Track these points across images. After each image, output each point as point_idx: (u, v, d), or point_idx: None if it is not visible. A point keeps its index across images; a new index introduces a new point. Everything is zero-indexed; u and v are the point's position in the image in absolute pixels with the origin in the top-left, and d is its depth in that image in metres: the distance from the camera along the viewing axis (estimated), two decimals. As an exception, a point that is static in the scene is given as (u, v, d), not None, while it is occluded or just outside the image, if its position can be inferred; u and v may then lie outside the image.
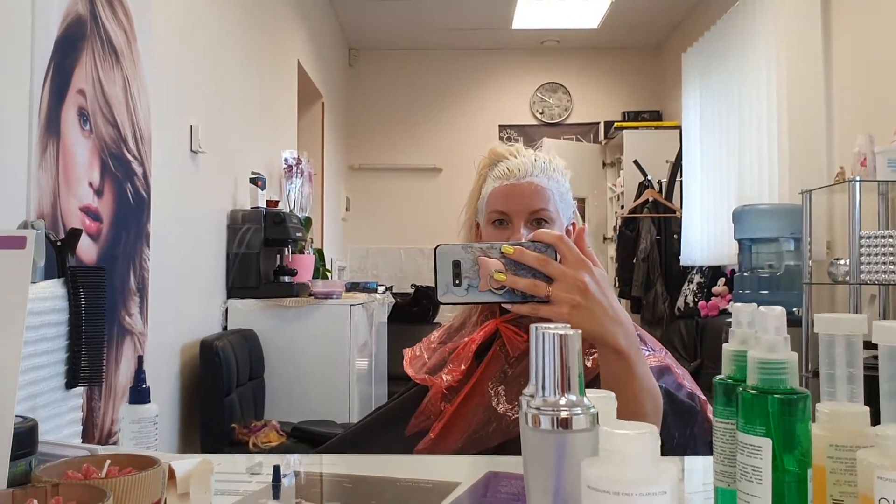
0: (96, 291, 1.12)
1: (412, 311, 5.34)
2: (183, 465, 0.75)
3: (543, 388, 0.59)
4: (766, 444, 0.57)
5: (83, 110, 2.04)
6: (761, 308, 0.60)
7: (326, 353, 3.19)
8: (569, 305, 0.91)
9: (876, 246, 3.02)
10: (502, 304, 0.91)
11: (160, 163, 2.54)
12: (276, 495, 0.85)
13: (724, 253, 4.56)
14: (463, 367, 1.33)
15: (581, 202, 6.68)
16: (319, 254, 4.08)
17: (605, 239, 6.64)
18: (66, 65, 1.95)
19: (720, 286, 4.66)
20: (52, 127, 1.89)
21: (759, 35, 4.27)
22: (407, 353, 1.46)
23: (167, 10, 2.62)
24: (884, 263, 2.98)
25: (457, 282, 0.88)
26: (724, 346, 0.63)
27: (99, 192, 2.17)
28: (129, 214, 2.35)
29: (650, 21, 6.23)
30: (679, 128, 5.77)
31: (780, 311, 0.59)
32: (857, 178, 3.08)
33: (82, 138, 2.05)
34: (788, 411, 0.57)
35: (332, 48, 5.99)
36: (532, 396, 0.59)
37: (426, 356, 1.42)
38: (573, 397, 0.58)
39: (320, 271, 3.99)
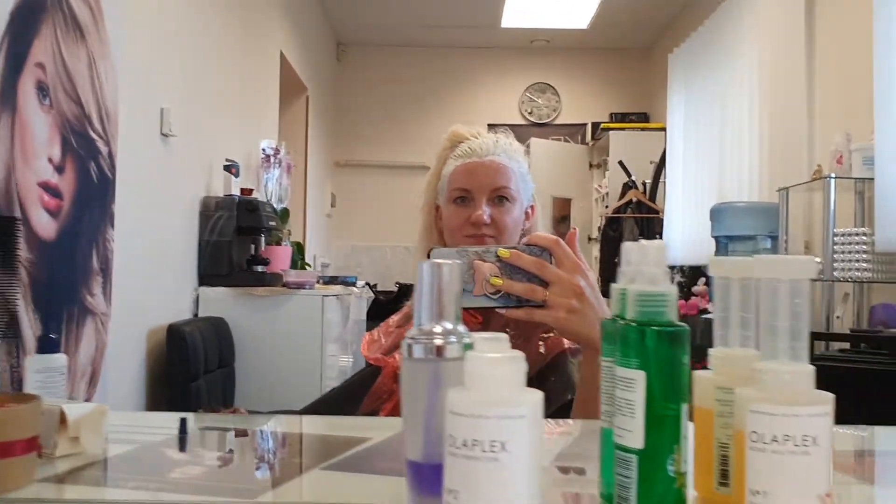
0: (6, 243, 1.09)
1: (395, 309, 5.29)
2: (76, 409, 0.73)
3: (420, 317, 0.57)
4: (640, 377, 0.55)
5: (42, 84, 2.02)
6: (643, 241, 0.58)
7: (298, 344, 3.17)
8: (565, 310, 0.91)
9: (849, 244, 3.02)
10: (496, 308, 0.90)
11: (128, 144, 2.52)
12: (181, 447, 0.83)
13: (703, 252, 4.55)
14: None
15: (567, 203, 6.67)
16: (298, 247, 4.06)
17: (590, 239, 6.63)
18: (24, 35, 1.93)
19: (700, 286, 4.65)
20: (6, 98, 1.87)
21: (743, 37, 4.27)
22: (365, 336, 1.46)
23: (139, -9, 2.61)
24: (857, 261, 2.97)
25: None
26: (612, 285, 0.61)
27: (59, 169, 2.15)
28: (93, 193, 2.33)
29: (640, 22, 6.23)
30: (664, 129, 5.77)
31: (660, 243, 0.58)
32: (832, 176, 3.08)
33: (41, 112, 2.03)
34: (664, 344, 0.55)
35: (318, 42, 5.97)
36: None
37: (383, 339, 1.41)
38: (448, 325, 0.57)
39: (298, 264, 3.97)
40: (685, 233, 4.94)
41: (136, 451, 0.77)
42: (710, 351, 0.65)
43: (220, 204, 3.20)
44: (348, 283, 3.99)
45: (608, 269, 5.78)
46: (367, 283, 4.97)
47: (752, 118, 4.07)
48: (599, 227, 6.20)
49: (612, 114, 6.57)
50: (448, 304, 0.57)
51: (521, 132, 6.90)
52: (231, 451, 0.83)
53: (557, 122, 6.99)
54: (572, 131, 6.97)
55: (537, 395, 0.52)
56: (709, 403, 0.62)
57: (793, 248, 3.45)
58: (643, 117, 6.51)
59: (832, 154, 3.20)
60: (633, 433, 0.55)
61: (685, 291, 4.94)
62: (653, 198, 5.70)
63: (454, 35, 6.59)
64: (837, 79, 3.62)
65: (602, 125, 6.36)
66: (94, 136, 2.33)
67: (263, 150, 3.74)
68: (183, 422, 0.84)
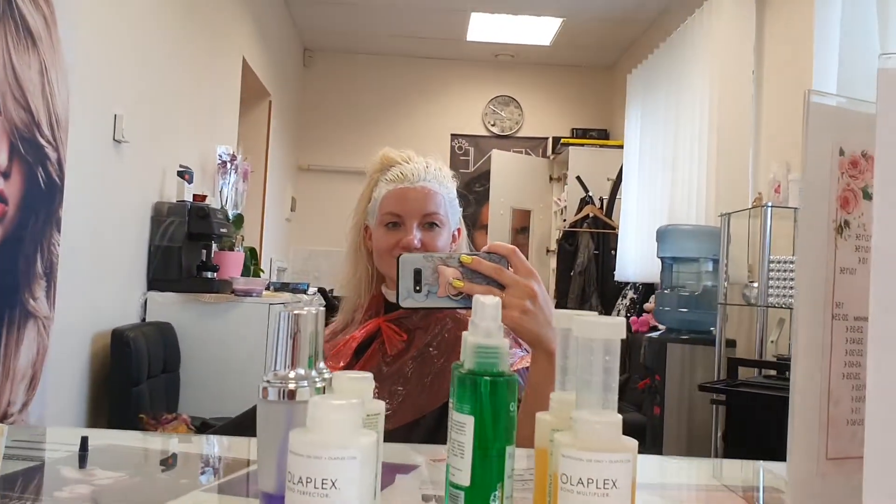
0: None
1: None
2: (-27, 429, 0.78)
3: (276, 362, 0.63)
4: (470, 421, 0.62)
5: (-12, 92, 2.05)
6: (480, 298, 0.65)
7: (243, 351, 3.20)
8: (519, 310, 0.98)
9: (784, 270, 3.13)
10: (457, 309, 0.99)
11: (78, 150, 2.55)
12: (81, 464, 0.88)
13: (656, 270, 4.66)
14: (342, 363, 1.37)
15: (527, 214, 6.77)
16: (251, 252, 4.09)
17: (547, 251, 6.73)
18: (-30, 45, 1.96)
19: (651, 303, 4.77)
20: (-50, 106, 1.89)
21: (696, 63, 4.39)
22: None
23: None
24: (791, 288, 3.08)
25: (417, 288, 0.95)
26: (464, 333, 0.68)
27: (5, 174, 2.17)
28: (39, 198, 2.35)
29: (602, 41, 6.35)
30: (622, 146, 5.88)
31: (496, 300, 0.64)
32: (769, 204, 3.19)
33: (-14, 120, 2.05)
34: (494, 392, 0.62)
35: (284, 47, 6.01)
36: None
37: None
38: (301, 371, 0.63)
39: (251, 270, 4.00)
40: (638, 250, 5.05)
41: (30, 469, 0.81)
42: (551, 395, 0.72)
43: (172, 210, 3.23)
44: (299, 290, 4.03)
45: (563, 282, 5.88)
46: (323, 289, 5.00)
47: (701, 142, 4.18)
48: (557, 240, 6.30)
49: (573, 129, 6.69)
50: (303, 351, 0.63)
51: (484, 143, 7.00)
52: (125, 470, 0.88)
53: (520, 134, 7.08)
54: (534, 144, 7.07)
55: (370, 438, 0.58)
56: (545, 444, 0.69)
57: (734, 272, 3.56)
58: (603, 134, 6.63)
59: (770, 183, 3.32)
60: (462, 472, 0.62)
61: (637, 308, 5.06)
62: (609, 214, 5.81)
63: (421, 46, 6.66)
64: (781, 109, 3.74)
65: (563, 140, 6.47)
66: (42, 142, 2.36)
67: (220, 156, 3.77)
68: (84, 440, 0.89)
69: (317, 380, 0.63)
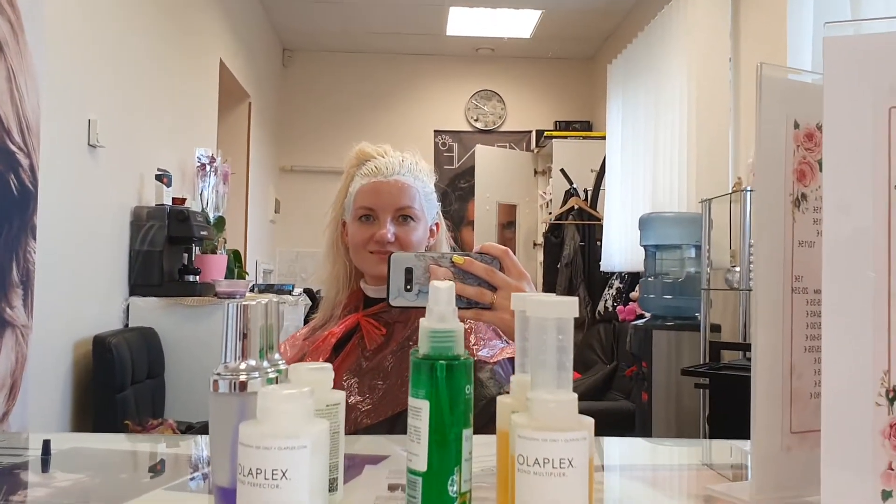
0: None
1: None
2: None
3: (226, 354, 0.62)
4: (425, 406, 0.61)
5: (-45, 100, 2.03)
6: (434, 283, 0.64)
7: (229, 352, 3.17)
8: (510, 312, 0.97)
9: (765, 253, 3.13)
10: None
11: (51, 156, 2.53)
12: (44, 468, 0.87)
13: (639, 259, 4.67)
14: (321, 359, 1.36)
15: (513, 209, 6.77)
16: (235, 255, 4.07)
17: (534, 245, 6.73)
18: (-66, 53, 1.94)
19: (636, 292, 4.77)
20: (-84, 115, 1.87)
21: (674, 50, 4.39)
22: None
23: (63, 4, 2.61)
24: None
25: (408, 287, 0.95)
26: (421, 320, 0.67)
27: (-24, 183, 2.15)
28: (12, 206, 2.33)
29: (582, 33, 6.35)
30: (605, 138, 5.88)
31: (450, 285, 0.64)
32: (749, 189, 3.19)
33: (-46, 128, 2.03)
34: (450, 375, 0.61)
35: (263, 48, 5.98)
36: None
37: (290, 352, 1.45)
38: (253, 362, 0.62)
39: (235, 272, 3.98)
40: (623, 240, 5.05)
41: (-9, 474, 0.80)
42: (512, 378, 0.71)
43: (152, 214, 3.20)
44: (284, 290, 4.02)
45: (551, 274, 5.88)
46: (310, 290, 4.99)
47: (681, 129, 4.19)
48: (544, 233, 6.30)
49: (556, 122, 6.68)
50: (253, 343, 0.62)
51: (468, 139, 6.99)
52: (88, 472, 0.87)
53: (503, 129, 7.08)
54: (518, 138, 7.07)
55: (322, 426, 0.57)
56: (506, 426, 0.68)
57: (716, 257, 3.57)
58: (586, 126, 6.63)
59: (750, 167, 3.32)
60: (418, 457, 0.61)
61: (624, 297, 5.07)
62: (594, 205, 5.82)
63: (400, 42, 6.65)
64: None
65: (546, 133, 6.47)
66: (13, 148, 2.34)
67: (199, 158, 3.75)
68: (46, 443, 0.88)
69: (269, 370, 0.62)
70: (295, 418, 0.56)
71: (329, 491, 0.63)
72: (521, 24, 6.09)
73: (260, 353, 0.63)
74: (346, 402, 1.28)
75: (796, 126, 0.75)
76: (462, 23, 6.09)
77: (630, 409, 3.73)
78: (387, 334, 1.36)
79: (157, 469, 0.88)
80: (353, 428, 1.27)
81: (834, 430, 0.63)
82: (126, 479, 0.84)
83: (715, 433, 2.64)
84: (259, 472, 0.55)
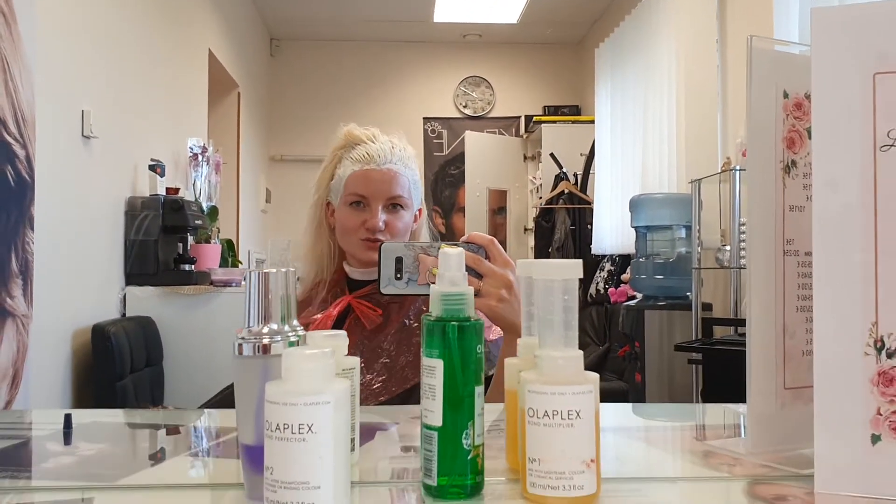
0: None
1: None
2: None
3: (249, 319, 0.65)
4: (439, 365, 0.64)
5: (-49, 91, 2.04)
6: (445, 249, 0.67)
7: (226, 341, 3.16)
8: (496, 298, 1.01)
9: (755, 231, 3.18)
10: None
11: (47, 147, 2.54)
12: (66, 441, 0.90)
13: (630, 241, 4.71)
14: None
15: (503, 194, 6.80)
16: (228, 244, 4.09)
17: (525, 230, 6.77)
18: (-70, 45, 1.95)
19: (628, 273, 4.82)
20: (-86, 106, 1.88)
21: (661, 32, 4.42)
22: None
23: (54, -6, 2.62)
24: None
25: (398, 276, 0.98)
26: (432, 286, 0.70)
27: (-26, 174, 2.17)
28: (10, 197, 2.34)
29: (570, 17, 6.37)
30: (594, 122, 5.92)
31: (459, 251, 0.67)
32: (737, 168, 3.23)
33: (-49, 119, 2.04)
34: (461, 336, 0.65)
35: (250, 38, 5.97)
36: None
37: None
38: (275, 326, 0.65)
39: (229, 261, 4.00)
40: (614, 223, 5.09)
41: (15, 446, 0.83)
42: (519, 341, 0.75)
43: (146, 204, 3.22)
44: (280, 279, 4.03)
45: (541, 259, 5.93)
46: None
47: (670, 111, 4.23)
48: (535, 218, 6.34)
49: (545, 107, 6.71)
50: (274, 308, 0.66)
51: (457, 125, 7.01)
52: (109, 442, 0.91)
53: (492, 115, 7.10)
54: (507, 124, 7.09)
55: (343, 384, 0.60)
56: (514, 385, 0.72)
57: (706, 236, 3.61)
58: (575, 110, 6.66)
59: (738, 147, 3.36)
60: (434, 413, 0.65)
61: (615, 280, 5.12)
62: (584, 189, 5.85)
63: (388, 29, 6.65)
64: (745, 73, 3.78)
65: (535, 118, 6.49)
66: (9, 139, 2.35)
67: (191, 148, 3.76)
68: (68, 417, 0.91)
69: (290, 334, 0.66)
70: (317, 377, 0.59)
71: (348, 450, 0.66)
72: (507, 9, 6.11)
73: (281, 319, 0.66)
74: (364, 382, 1.32)
75: (785, 96, 0.79)
76: (449, 9, 6.10)
77: (624, 389, 3.78)
78: (383, 314, 1.39)
79: (177, 437, 0.91)
80: (364, 405, 1.30)
81: (826, 380, 0.67)
82: (148, 447, 0.87)
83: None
84: (286, 426, 0.58)
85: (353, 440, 0.73)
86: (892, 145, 0.65)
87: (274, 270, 0.66)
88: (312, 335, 0.74)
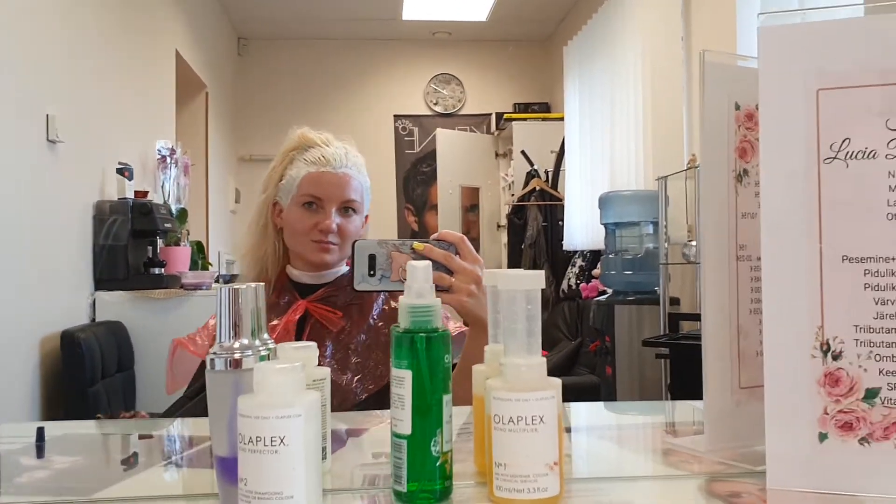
0: None
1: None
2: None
3: (220, 335, 0.67)
4: (408, 375, 0.67)
5: (-86, 99, 2.02)
6: (412, 262, 0.70)
7: (198, 343, 3.19)
8: (466, 294, 1.04)
9: (720, 227, 3.23)
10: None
11: (11, 153, 2.52)
12: (39, 454, 0.91)
13: (600, 237, 4.77)
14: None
15: (475, 192, 6.83)
16: (198, 246, 4.07)
17: (498, 227, 6.81)
18: None
19: (598, 269, 4.87)
20: None
21: (628, 30, 4.47)
22: (185, 338, 1.47)
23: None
24: (727, 243, 3.18)
25: (371, 273, 1.00)
26: (401, 298, 0.72)
27: (-62, 183, 2.15)
28: (-25, 205, 2.33)
29: (537, 14, 6.41)
30: (564, 119, 5.96)
31: (427, 263, 0.69)
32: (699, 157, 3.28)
33: (-85, 128, 2.02)
34: (429, 347, 0.67)
35: (218, 37, 5.94)
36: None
37: (201, 340, 1.46)
38: (245, 341, 0.67)
39: (199, 264, 3.99)
40: (584, 219, 5.14)
41: (-9, 460, 0.84)
42: (486, 348, 0.77)
43: (114, 208, 3.20)
44: (251, 280, 4.03)
45: (515, 256, 5.97)
46: (275, 279, 5.00)
47: (637, 109, 4.28)
48: (507, 215, 6.37)
49: (515, 104, 6.75)
50: (245, 323, 0.67)
51: (428, 123, 7.02)
52: (83, 454, 0.92)
53: (463, 112, 7.12)
54: (478, 121, 7.12)
55: (314, 396, 0.63)
56: (481, 391, 0.74)
57: (673, 232, 3.67)
58: (545, 107, 6.71)
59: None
60: (403, 422, 0.67)
61: (586, 275, 5.17)
62: (555, 186, 5.90)
63: (356, 28, 6.64)
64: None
65: (506, 115, 6.53)
66: (-26, 147, 2.33)
67: (159, 150, 3.74)
68: (40, 430, 0.92)
69: (261, 349, 0.67)
70: (288, 390, 0.61)
71: (320, 458, 0.68)
72: (476, 6, 6.13)
73: (252, 333, 0.68)
74: (340, 383, 1.34)
75: (737, 107, 0.82)
76: (418, 7, 6.11)
77: (595, 383, 3.83)
78: (343, 316, 1.40)
79: (150, 447, 0.92)
80: (349, 405, 1.32)
81: (776, 381, 0.70)
82: (123, 459, 0.88)
83: (676, 400, 2.75)
84: (259, 439, 0.60)
85: (324, 448, 0.75)
86: (834, 158, 0.68)
87: (244, 286, 0.68)
88: (283, 347, 0.75)
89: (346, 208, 1.40)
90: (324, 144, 1.44)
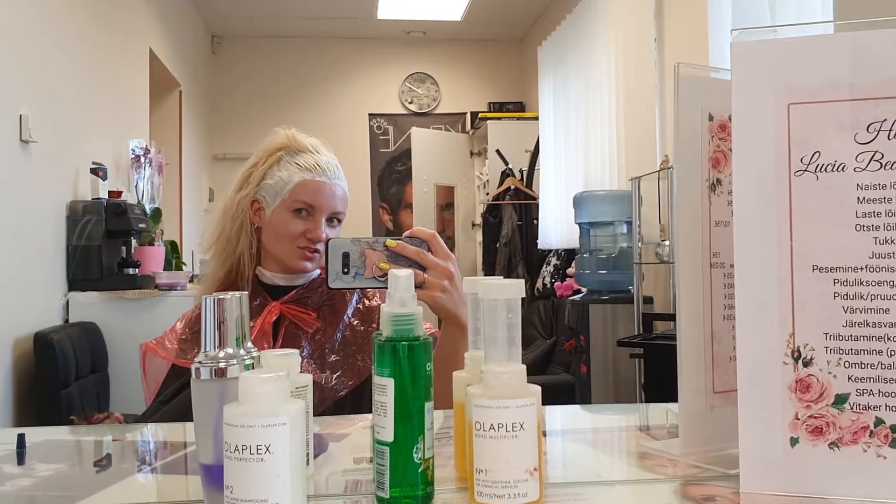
0: None
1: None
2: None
3: (205, 344, 0.68)
4: (390, 383, 0.68)
5: None
6: (394, 271, 0.71)
7: (173, 344, 3.18)
8: (439, 290, 1.06)
9: (693, 227, 3.28)
10: (383, 289, 1.05)
11: (-17, 153, 2.49)
12: (19, 461, 0.90)
13: (575, 237, 4.80)
14: (266, 346, 1.41)
15: (450, 190, 6.84)
16: (172, 245, 4.04)
17: (473, 225, 6.83)
18: None
19: (573, 268, 4.91)
20: None
21: (601, 30, 4.51)
22: (152, 342, 1.45)
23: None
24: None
25: (345, 270, 1.00)
26: (381, 306, 0.73)
27: None
28: (-54, 206, 2.30)
29: (512, 14, 6.43)
30: (538, 118, 6.00)
31: (409, 272, 0.70)
32: (673, 166, 3.33)
33: None
34: (411, 355, 0.68)
35: (191, 35, 5.89)
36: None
37: (169, 344, 1.45)
38: (230, 350, 0.68)
39: (173, 263, 3.96)
40: (559, 218, 5.18)
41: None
42: (466, 354, 0.78)
43: (88, 208, 3.17)
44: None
45: (490, 254, 6.00)
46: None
47: (610, 109, 4.32)
48: (482, 214, 6.40)
49: (490, 103, 6.77)
50: (230, 332, 0.68)
51: (403, 122, 7.02)
52: (65, 462, 0.92)
53: (438, 111, 7.13)
54: (453, 120, 7.14)
55: (298, 405, 0.63)
56: (462, 398, 0.76)
57: (647, 232, 3.71)
58: (519, 106, 6.74)
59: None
60: (385, 429, 0.68)
61: (561, 274, 5.21)
62: (529, 185, 5.94)
63: (331, 26, 6.62)
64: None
65: (480, 114, 6.55)
66: (-56, 147, 2.30)
67: (133, 150, 3.71)
68: (21, 437, 0.92)
69: (245, 358, 0.68)
70: (274, 399, 0.62)
71: (304, 464, 0.69)
72: (451, 6, 6.14)
73: (236, 342, 0.68)
74: (319, 381, 1.35)
75: (710, 118, 0.84)
76: (393, 6, 6.10)
77: (570, 382, 3.87)
78: (318, 317, 1.41)
79: (132, 453, 0.93)
80: (329, 402, 1.33)
81: (749, 387, 0.72)
82: (104, 466, 0.88)
83: (651, 400, 2.78)
84: (245, 447, 0.61)
85: (307, 454, 0.76)
86: (805, 170, 0.70)
87: (228, 296, 0.68)
88: (266, 355, 0.76)
89: (334, 219, 1.41)
90: (315, 151, 1.43)
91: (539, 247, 5.50)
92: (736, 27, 2.76)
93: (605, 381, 3.61)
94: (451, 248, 1.28)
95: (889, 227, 0.67)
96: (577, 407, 1.48)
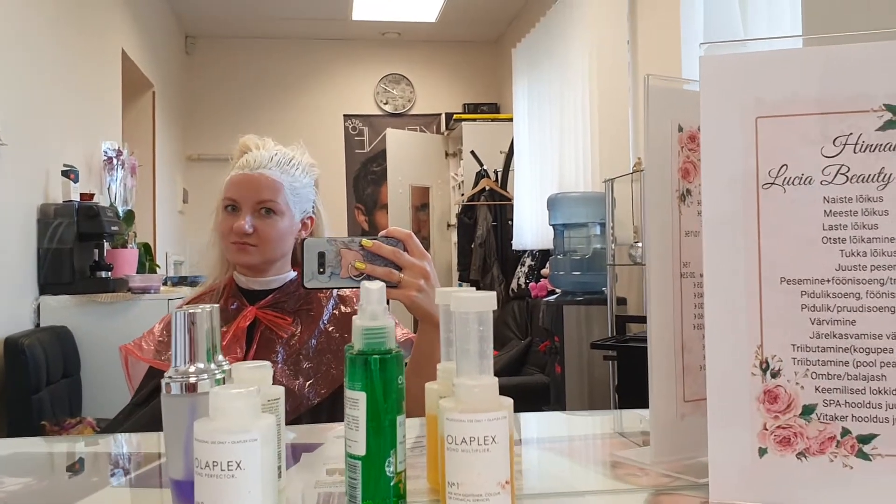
0: None
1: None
2: None
3: (176, 359, 0.67)
4: (362, 397, 0.68)
5: None
6: (366, 283, 0.71)
7: (146, 348, 3.14)
8: (415, 289, 1.05)
9: (666, 229, 3.30)
10: (358, 288, 1.05)
11: (-50, 156, 2.45)
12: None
13: (549, 238, 4.82)
14: (239, 352, 1.40)
15: (426, 191, 6.84)
16: (145, 248, 4.00)
17: (448, 226, 6.83)
18: None
19: (547, 269, 4.93)
20: None
21: (575, 32, 4.53)
22: (130, 344, 1.45)
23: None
24: (673, 245, 3.26)
25: (321, 270, 1.00)
26: (353, 318, 0.73)
27: None
28: (-88, 210, 2.26)
29: (487, 15, 6.45)
30: (513, 120, 6.01)
31: (380, 285, 0.70)
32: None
33: None
34: (383, 368, 0.68)
35: (165, 35, 5.84)
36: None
37: (146, 346, 1.44)
38: (201, 365, 0.67)
39: (147, 266, 3.92)
40: (533, 219, 5.20)
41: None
42: (438, 366, 0.79)
43: (59, 211, 3.13)
44: (198, 282, 3.98)
45: (465, 255, 6.01)
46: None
47: (584, 112, 4.34)
48: (457, 214, 6.40)
49: (465, 104, 6.78)
50: (200, 347, 0.68)
51: (378, 123, 7.01)
52: (34, 475, 0.90)
53: (413, 112, 7.13)
54: (428, 121, 7.14)
55: (270, 420, 0.63)
56: (434, 410, 0.76)
57: (620, 234, 3.74)
58: (494, 108, 6.76)
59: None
60: (357, 443, 0.68)
61: (536, 274, 5.23)
62: (504, 186, 5.95)
63: (306, 27, 6.59)
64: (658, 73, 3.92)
65: (455, 115, 6.56)
66: None
67: (105, 152, 3.67)
68: (-12, 452, 0.91)
69: (216, 372, 0.68)
70: (244, 414, 0.62)
71: (276, 478, 0.68)
72: (426, 7, 6.14)
73: (207, 356, 0.68)
74: (293, 388, 1.34)
75: (680, 129, 0.85)
76: (367, 7, 6.09)
77: (545, 383, 3.88)
78: (293, 322, 1.41)
79: (103, 465, 0.92)
80: (302, 410, 1.33)
81: (718, 397, 0.73)
82: (75, 479, 0.87)
83: (624, 402, 2.80)
84: (216, 464, 0.60)
85: (279, 467, 0.76)
86: (773, 183, 0.71)
87: (199, 309, 0.68)
88: (237, 368, 0.76)
89: (265, 209, 1.39)
90: (256, 148, 1.44)
91: (513, 247, 5.51)
92: (708, 33, 2.79)
93: (579, 381, 3.63)
94: (427, 248, 1.27)
95: (855, 240, 0.68)
96: (550, 413, 1.49)
